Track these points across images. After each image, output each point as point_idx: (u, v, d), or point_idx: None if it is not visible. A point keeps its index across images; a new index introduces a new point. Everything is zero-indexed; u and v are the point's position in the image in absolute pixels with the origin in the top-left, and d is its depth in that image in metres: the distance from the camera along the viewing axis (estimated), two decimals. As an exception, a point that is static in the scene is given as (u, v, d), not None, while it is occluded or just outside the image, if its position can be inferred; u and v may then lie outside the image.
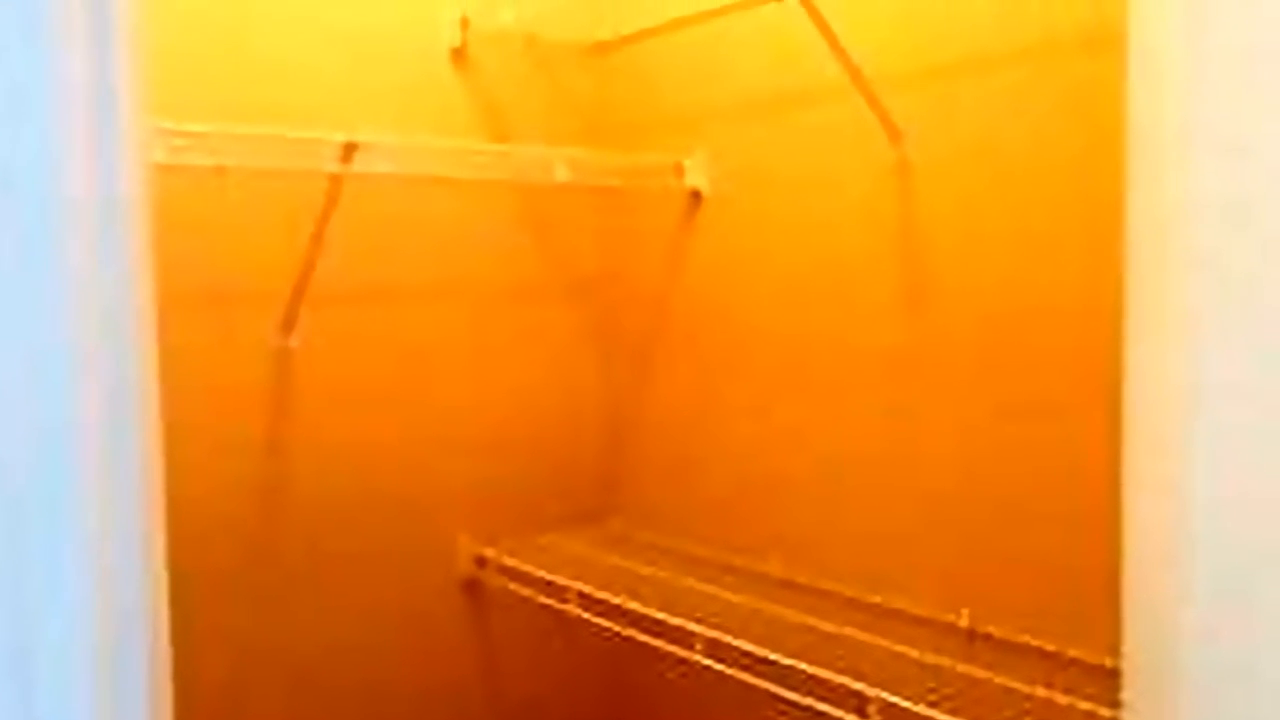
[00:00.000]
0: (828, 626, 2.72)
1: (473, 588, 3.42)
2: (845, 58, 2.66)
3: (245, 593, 3.02)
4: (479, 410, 3.42)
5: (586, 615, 2.98)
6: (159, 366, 1.54)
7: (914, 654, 2.57)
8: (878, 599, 2.83)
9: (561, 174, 3.07)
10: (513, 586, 3.24)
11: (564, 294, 3.60)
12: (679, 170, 3.30)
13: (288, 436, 3.08)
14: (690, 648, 2.67)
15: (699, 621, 2.68)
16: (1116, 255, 1.51)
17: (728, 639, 2.61)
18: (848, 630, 2.70)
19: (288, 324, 3.02)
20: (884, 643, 2.62)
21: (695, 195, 3.32)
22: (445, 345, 3.34)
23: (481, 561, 3.37)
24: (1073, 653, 2.45)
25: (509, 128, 3.44)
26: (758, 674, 2.56)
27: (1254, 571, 1.32)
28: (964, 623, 2.65)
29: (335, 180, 2.80)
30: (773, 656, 2.51)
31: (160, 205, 1.64)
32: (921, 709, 2.27)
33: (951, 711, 2.26)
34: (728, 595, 2.92)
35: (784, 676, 2.51)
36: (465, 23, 3.31)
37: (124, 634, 1.42)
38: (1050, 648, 2.49)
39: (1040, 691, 2.38)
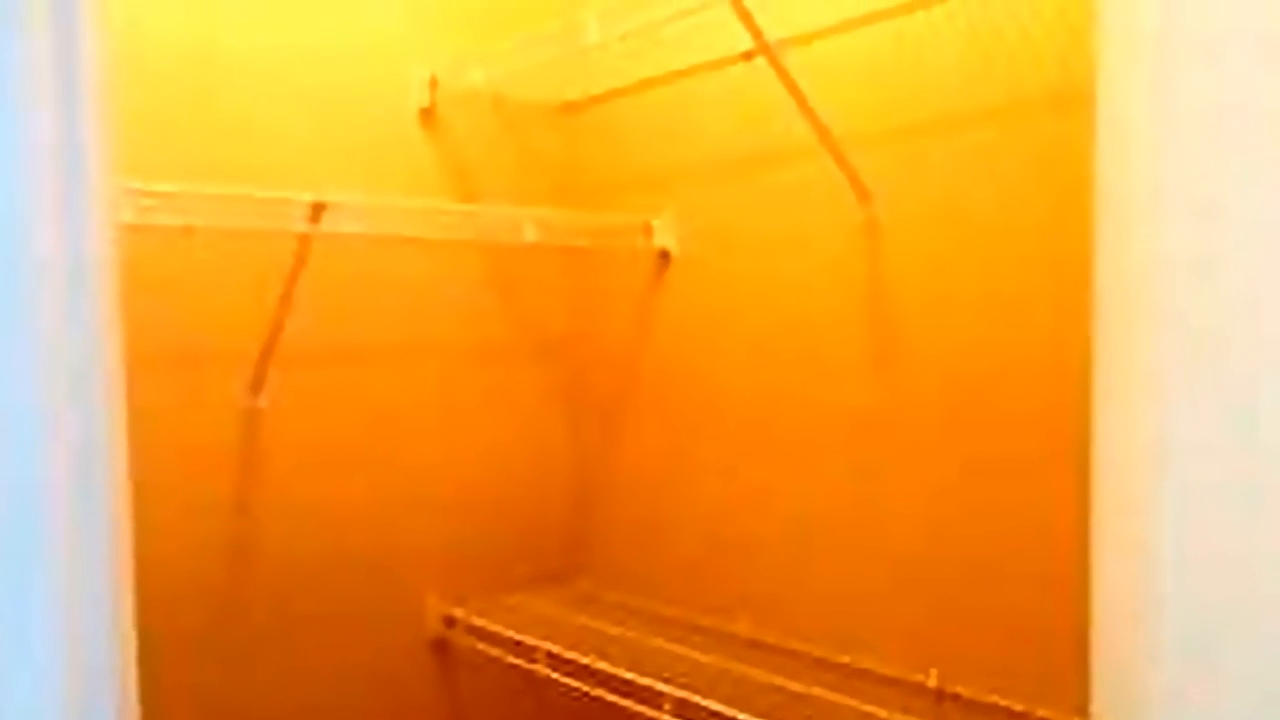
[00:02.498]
0: (796, 686, 2.71)
1: (441, 647, 3.40)
2: (814, 117, 2.67)
3: (214, 653, 3.00)
4: (448, 470, 3.41)
5: (555, 675, 2.97)
6: (127, 426, 1.53)
7: (882, 714, 2.56)
8: (846, 659, 2.82)
9: (530, 234, 3.08)
10: (481, 646, 3.23)
11: (532, 354, 3.60)
12: (647, 230, 3.31)
13: (256, 496, 3.06)
14: (659, 708, 2.66)
15: (667, 681, 2.68)
16: (1084, 314, 1.52)
17: (696, 699, 2.59)
18: (816, 690, 2.69)
19: (256, 384, 3.01)
20: (852, 703, 2.61)
21: (664, 255, 3.32)
22: (414, 405, 3.34)
23: (450, 621, 3.35)
24: (1041, 713, 2.44)
25: (477, 187, 3.44)
26: (727, 734, 2.55)
27: (1222, 632, 1.33)
28: (932, 683, 2.65)
29: (304, 240, 2.81)
30: (741, 717, 2.50)
31: (128, 265, 1.64)
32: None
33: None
34: (696, 655, 2.91)
35: (753, 737, 2.50)
36: (434, 83, 3.33)
37: (92, 694, 1.42)
38: (1019, 708, 2.49)
39: (1009, 751, 2.38)
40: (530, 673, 3.03)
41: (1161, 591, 1.37)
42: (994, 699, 2.53)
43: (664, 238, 3.30)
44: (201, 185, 2.61)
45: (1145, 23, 1.38)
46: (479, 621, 3.25)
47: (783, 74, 2.65)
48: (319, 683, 3.17)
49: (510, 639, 3.12)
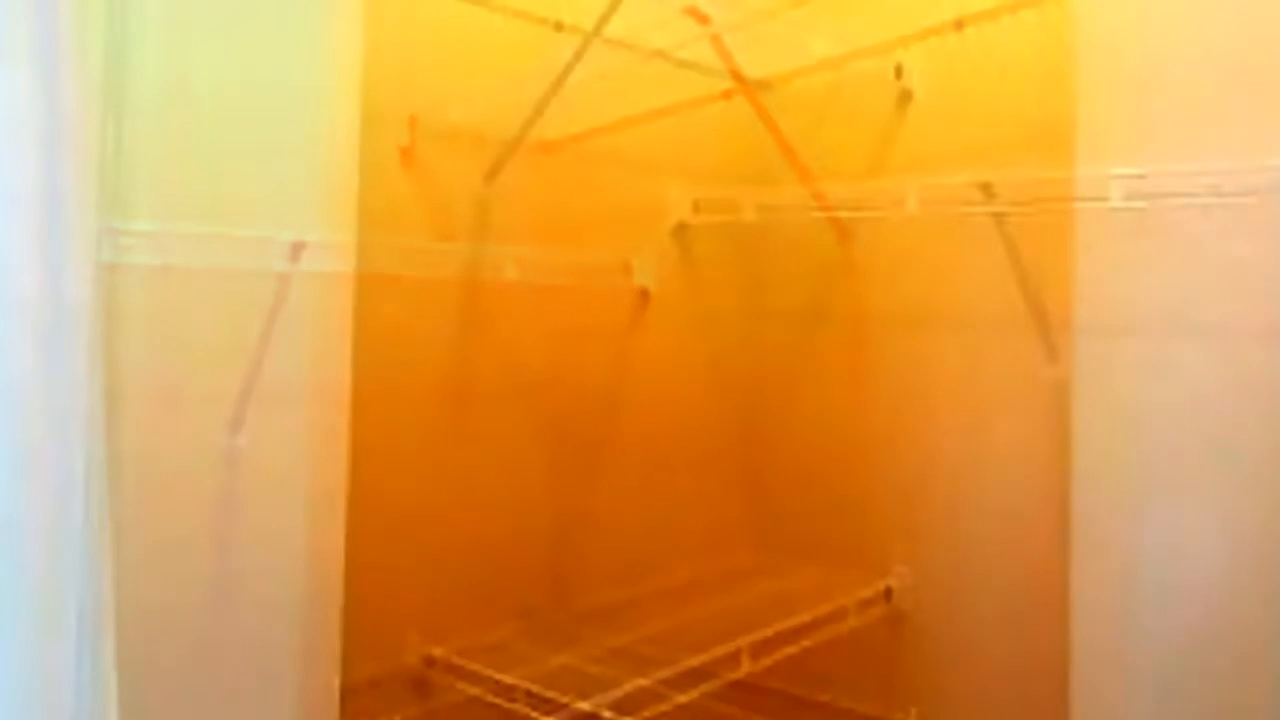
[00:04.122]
0: (778, 725, 2.71)
1: (421, 686, 3.39)
2: (793, 156, 2.68)
3: (194, 693, 2.98)
4: (427, 508, 3.40)
5: (536, 714, 2.96)
6: (106, 467, 1.53)
7: (864, 752, 2.56)
8: (826, 698, 2.82)
9: (510, 272, 3.08)
10: (461, 685, 3.21)
11: (511, 391, 3.59)
12: (627, 269, 3.31)
13: (235, 535, 3.05)
14: (640, 747, 2.66)
15: (648, 721, 2.67)
16: (1066, 355, 1.52)
17: (677, 738, 2.59)
18: (798, 729, 2.68)
19: (236, 423, 3.00)
20: (834, 741, 2.61)
21: (643, 294, 3.32)
22: (393, 444, 3.33)
23: (430, 660, 3.34)
24: (1022, 750, 2.44)
25: (457, 226, 3.44)
26: (708, 774, 2.54)
27: (1202, 671, 1.33)
28: (913, 720, 2.65)
29: (283, 279, 2.80)
30: (723, 756, 2.50)
31: (108, 304, 1.64)
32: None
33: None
34: (677, 695, 2.90)
35: (734, 776, 2.50)
36: (413, 121, 3.33)
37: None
38: (1000, 745, 2.49)
39: (990, 790, 2.37)
40: (510, 712, 3.02)
41: (1140, 631, 1.37)
42: (975, 737, 2.53)
43: (643, 276, 3.30)
44: (181, 224, 2.60)
45: (1124, 62, 1.39)
46: (459, 660, 3.24)
47: (762, 113, 2.66)
48: (298, 723, 3.16)
49: (490, 678, 3.11)
